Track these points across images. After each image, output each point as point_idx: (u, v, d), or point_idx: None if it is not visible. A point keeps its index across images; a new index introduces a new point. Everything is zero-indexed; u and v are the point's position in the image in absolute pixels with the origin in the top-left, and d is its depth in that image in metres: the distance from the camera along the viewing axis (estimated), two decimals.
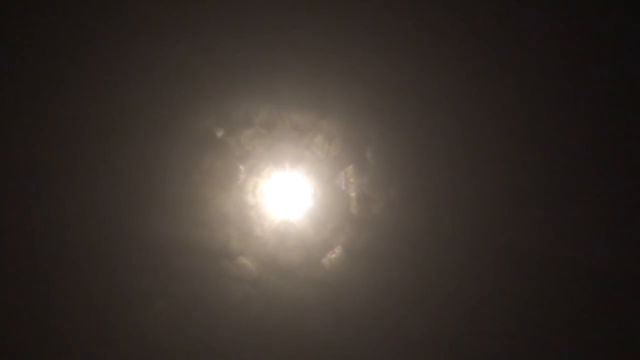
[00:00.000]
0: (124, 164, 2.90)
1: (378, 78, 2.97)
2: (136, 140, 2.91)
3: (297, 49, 2.96)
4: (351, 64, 2.97)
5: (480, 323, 2.88)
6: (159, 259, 2.89)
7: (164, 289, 2.88)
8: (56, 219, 2.88)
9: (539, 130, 2.97)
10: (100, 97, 2.92)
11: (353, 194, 2.94)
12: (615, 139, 2.98)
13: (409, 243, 2.91)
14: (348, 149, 2.95)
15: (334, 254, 2.92)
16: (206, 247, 2.90)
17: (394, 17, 2.98)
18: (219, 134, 2.93)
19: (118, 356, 2.85)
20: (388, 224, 2.92)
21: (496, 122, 2.97)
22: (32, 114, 2.90)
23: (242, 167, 2.94)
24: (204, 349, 2.87)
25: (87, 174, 2.89)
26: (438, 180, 2.95)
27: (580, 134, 2.97)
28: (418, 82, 2.97)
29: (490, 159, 2.95)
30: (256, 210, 2.94)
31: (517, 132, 2.97)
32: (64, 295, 2.85)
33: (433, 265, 2.90)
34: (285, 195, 2.95)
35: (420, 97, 2.97)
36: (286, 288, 2.90)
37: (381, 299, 2.89)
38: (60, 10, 2.91)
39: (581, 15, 3.00)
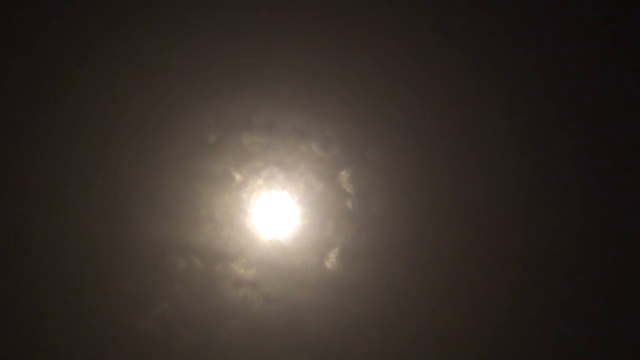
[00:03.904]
0: (124, 168, 2.91)
1: (377, 79, 2.97)
2: (136, 144, 2.92)
3: (297, 51, 2.97)
4: (350, 66, 2.97)
5: (479, 322, 2.84)
6: (158, 262, 2.87)
7: (164, 291, 2.86)
8: (56, 222, 2.88)
9: (539, 132, 2.95)
10: (100, 102, 2.93)
11: (353, 194, 2.93)
12: (615, 147, 2.95)
13: (408, 243, 2.89)
14: (348, 150, 2.94)
15: (334, 254, 2.89)
16: (205, 249, 2.88)
17: (394, 19, 2.99)
18: (218, 136, 2.93)
19: (118, 357, 2.83)
20: (388, 224, 2.90)
21: (496, 123, 2.95)
22: (33, 119, 2.92)
23: (241, 169, 2.94)
24: (203, 350, 2.84)
25: (86, 177, 2.90)
26: (437, 180, 2.93)
27: (583, 140, 2.95)
28: (417, 83, 2.97)
29: (490, 160, 2.93)
30: (256, 212, 2.92)
31: (518, 133, 2.95)
32: (62, 297, 2.84)
33: (432, 265, 2.87)
34: (285, 196, 2.94)
35: (421, 99, 2.97)
36: (285, 289, 2.88)
37: (380, 299, 2.86)
38: (60, 17, 2.95)
39: (582, 18, 3.00)
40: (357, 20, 2.97)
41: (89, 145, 2.91)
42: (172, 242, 2.88)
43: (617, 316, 2.85)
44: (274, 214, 2.93)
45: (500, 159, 2.93)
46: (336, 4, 2.98)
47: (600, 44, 2.98)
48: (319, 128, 2.94)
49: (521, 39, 2.98)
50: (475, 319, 2.85)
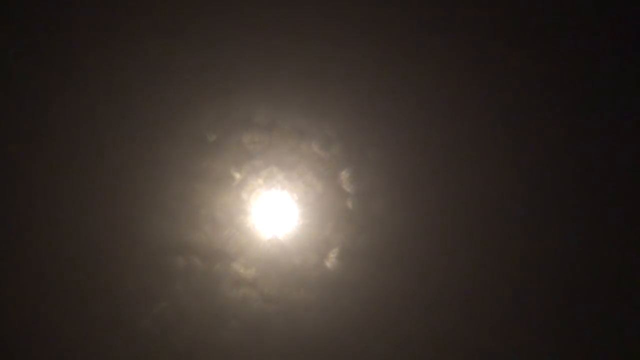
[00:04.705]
0: (123, 167, 2.91)
1: (378, 79, 2.97)
2: (136, 144, 2.92)
3: (297, 51, 2.97)
4: (351, 65, 2.97)
5: (478, 322, 2.84)
6: (158, 261, 2.88)
7: (164, 290, 2.87)
8: (55, 221, 2.88)
9: (539, 131, 2.95)
10: (100, 101, 2.94)
11: (353, 194, 2.92)
12: (616, 144, 2.95)
13: (408, 243, 2.88)
14: (348, 149, 2.94)
15: (334, 254, 2.89)
16: (205, 248, 2.89)
17: (394, 19, 2.99)
18: (218, 136, 2.94)
19: (117, 357, 2.83)
20: (387, 225, 2.90)
21: (496, 122, 2.95)
22: (33, 118, 2.92)
23: (241, 168, 2.94)
24: (203, 349, 2.85)
25: (86, 176, 2.90)
26: (437, 181, 2.92)
27: (583, 135, 2.95)
28: (418, 82, 2.97)
29: (491, 159, 2.93)
30: (255, 212, 2.92)
31: (518, 133, 2.94)
32: (62, 296, 2.85)
33: (432, 266, 2.87)
34: (285, 196, 2.94)
35: (421, 98, 2.96)
36: (285, 289, 2.88)
37: (380, 299, 2.86)
38: (60, 12, 2.95)
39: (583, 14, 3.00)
40: (358, 20, 2.97)
41: (89, 145, 2.91)
42: (172, 242, 2.88)
43: (618, 317, 2.84)
44: (274, 213, 2.93)
45: (501, 159, 2.93)
46: (337, 4, 2.97)
47: (599, 41, 2.97)
48: (319, 128, 2.94)
49: (523, 39, 2.97)
50: (475, 319, 2.85)
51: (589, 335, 2.83)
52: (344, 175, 2.93)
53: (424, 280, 2.87)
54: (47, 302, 2.84)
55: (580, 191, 2.91)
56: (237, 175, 2.93)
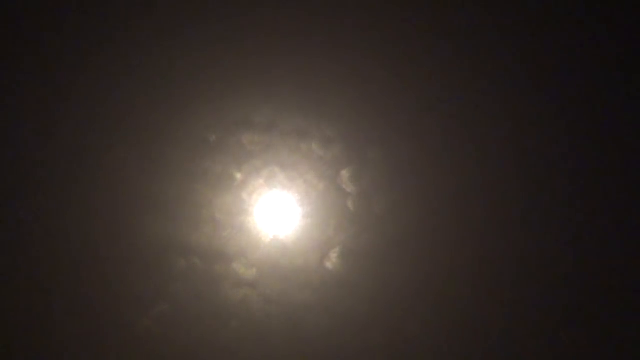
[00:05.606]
0: (123, 167, 2.91)
1: (378, 78, 2.97)
2: (136, 144, 2.92)
3: (297, 51, 2.98)
4: (351, 65, 2.97)
5: (479, 322, 2.83)
6: (158, 262, 2.87)
7: (164, 291, 2.86)
8: (56, 222, 2.88)
9: (541, 132, 2.95)
10: (101, 102, 2.94)
11: (354, 194, 2.92)
12: (619, 145, 2.94)
13: (409, 243, 2.88)
14: (348, 150, 2.94)
15: (335, 254, 2.88)
16: (205, 249, 2.88)
17: (393, 18, 2.99)
18: (218, 136, 2.94)
19: (118, 357, 2.82)
20: (388, 224, 2.89)
21: (497, 122, 2.95)
22: (33, 120, 2.93)
23: (242, 169, 2.93)
24: (203, 350, 2.84)
25: (86, 177, 2.90)
26: (438, 180, 2.92)
27: (584, 140, 2.95)
28: (418, 82, 2.97)
29: (491, 159, 2.93)
30: (256, 212, 2.92)
31: (519, 133, 2.94)
32: (63, 297, 2.84)
33: (433, 265, 2.86)
34: (286, 196, 2.93)
35: (421, 98, 2.96)
36: (286, 290, 2.87)
37: (382, 299, 2.85)
38: (61, 16, 2.96)
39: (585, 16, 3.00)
40: (358, 20, 2.98)
41: (89, 146, 2.91)
42: (173, 242, 2.87)
43: (618, 319, 2.83)
44: (275, 213, 2.92)
45: (503, 159, 2.92)
46: (337, 4, 2.98)
47: (600, 38, 2.97)
48: (320, 128, 2.94)
49: (524, 39, 2.98)
50: (476, 318, 2.84)
51: (589, 334, 2.82)
52: (345, 175, 2.93)
53: (425, 280, 2.86)
54: (48, 303, 2.84)
55: (581, 191, 2.91)
56: (238, 176, 2.93)
